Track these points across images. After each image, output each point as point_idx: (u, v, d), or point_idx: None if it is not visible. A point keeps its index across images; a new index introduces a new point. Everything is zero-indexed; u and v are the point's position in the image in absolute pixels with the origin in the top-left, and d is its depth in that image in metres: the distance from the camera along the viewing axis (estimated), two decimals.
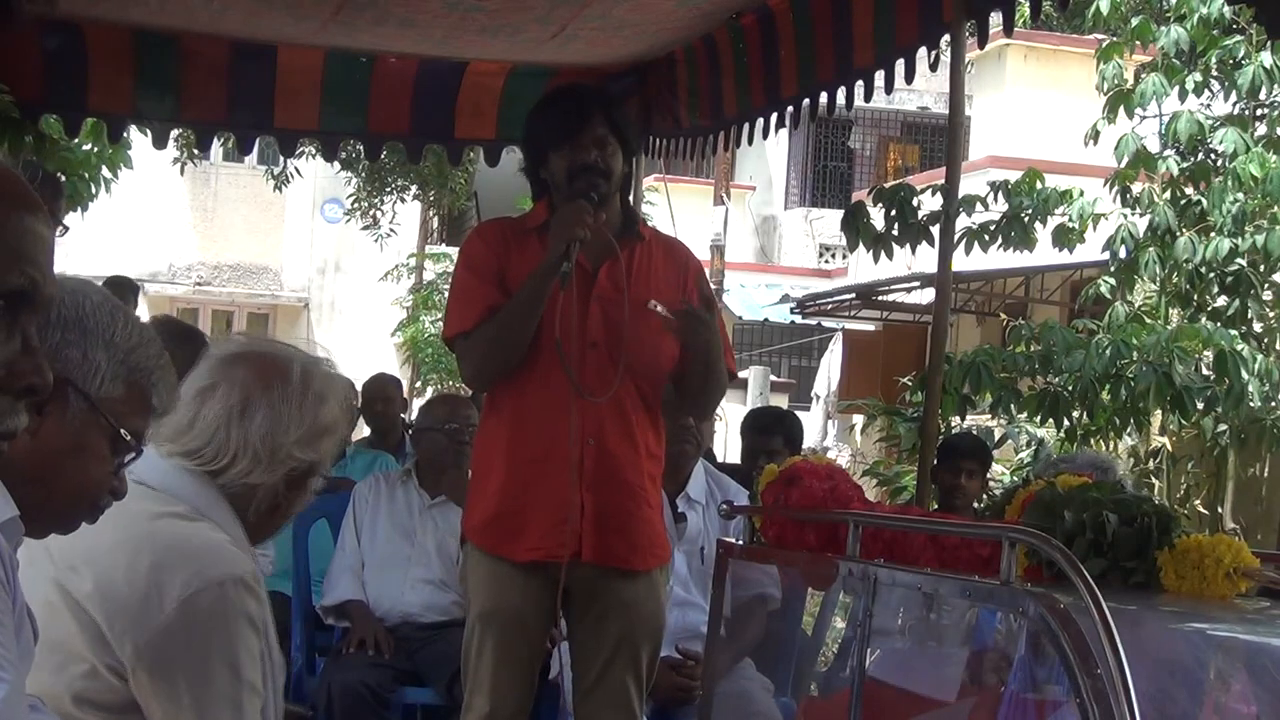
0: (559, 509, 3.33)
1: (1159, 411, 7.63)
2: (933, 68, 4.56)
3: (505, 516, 3.40)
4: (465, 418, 4.76)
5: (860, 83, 4.62)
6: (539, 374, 3.38)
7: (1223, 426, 7.85)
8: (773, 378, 18.48)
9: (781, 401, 15.86)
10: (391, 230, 14.55)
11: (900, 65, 4.33)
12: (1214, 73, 8.08)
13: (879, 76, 4.49)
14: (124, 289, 7.11)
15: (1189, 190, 8.15)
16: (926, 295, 13.40)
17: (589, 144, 3.41)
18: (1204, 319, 7.85)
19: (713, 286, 18.01)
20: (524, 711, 3.46)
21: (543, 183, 3.54)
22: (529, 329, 3.36)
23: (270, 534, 2.29)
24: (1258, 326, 7.99)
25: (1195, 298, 8.06)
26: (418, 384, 17.30)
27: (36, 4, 4.22)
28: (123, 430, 1.75)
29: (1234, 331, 7.43)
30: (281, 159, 12.04)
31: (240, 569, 2.05)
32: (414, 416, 7.86)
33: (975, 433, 7.22)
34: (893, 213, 5.54)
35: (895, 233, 5.54)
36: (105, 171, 8.22)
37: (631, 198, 6.82)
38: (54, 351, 1.71)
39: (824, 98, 4.76)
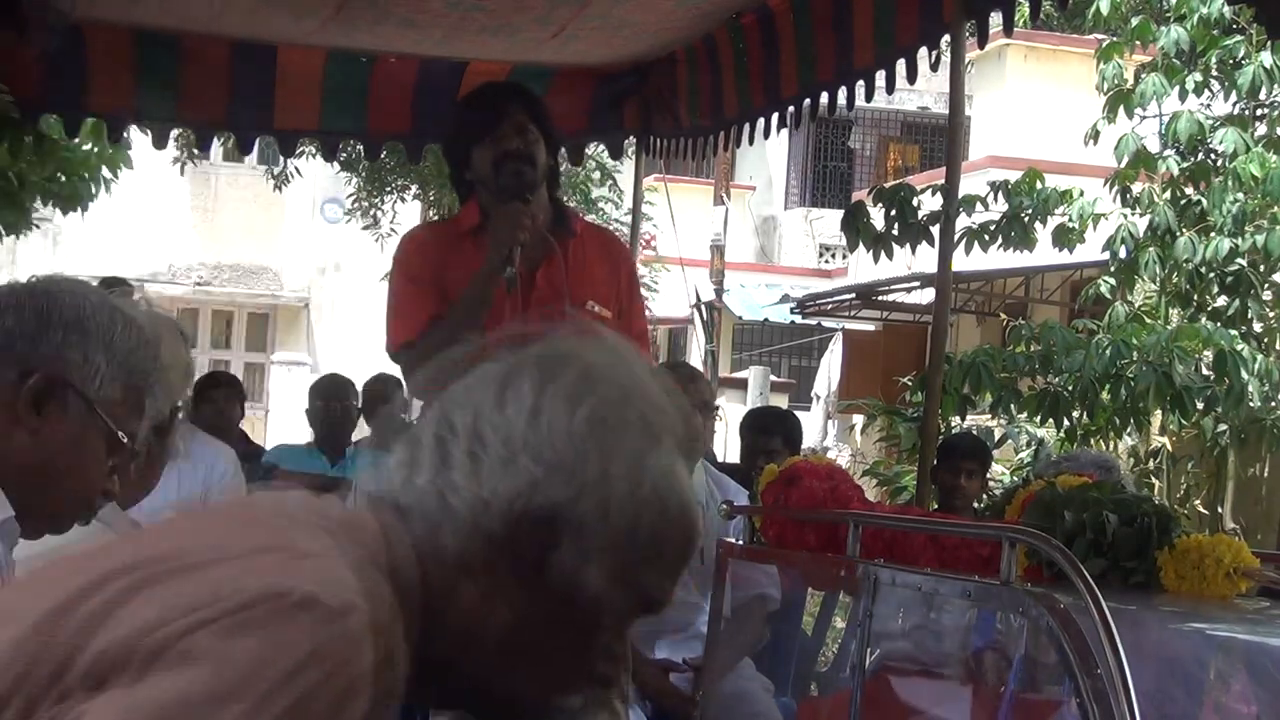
0: None
1: (1159, 411, 7.63)
2: (933, 68, 4.57)
3: None
4: None
5: (860, 83, 4.62)
6: None
7: (1223, 426, 7.86)
8: (773, 378, 18.47)
9: (781, 401, 15.85)
10: (391, 230, 14.53)
11: (900, 65, 4.33)
12: (1214, 73, 8.08)
13: (879, 76, 4.49)
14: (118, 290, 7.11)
15: (1189, 190, 8.15)
16: (926, 295, 13.40)
17: (510, 132, 3.40)
18: (1204, 319, 7.85)
19: (712, 287, 17.81)
20: None
21: (468, 184, 3.51)
22: (476, 335, 3.34)
23: (149, 487, 2.27)
24: (1258, 326, 7.99)
25: (1195, 298, 8.07)
26: None
27: (60, 10, 4.23)
28: (120, 432, 1.75)
29: (1234, 331, 7.43)
30: (281, 159, 12.04)
31: None
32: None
33: (975, 433, 7.22)
34: (893, 213, 5.54)
35: (895, 233, 5.54)
36: (105, 171, 8.23)
37: (632, 197, 6.83)
38: (54, 353, 1.71)
39: (824, 98, 4.76)
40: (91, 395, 1.73)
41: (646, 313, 3.85)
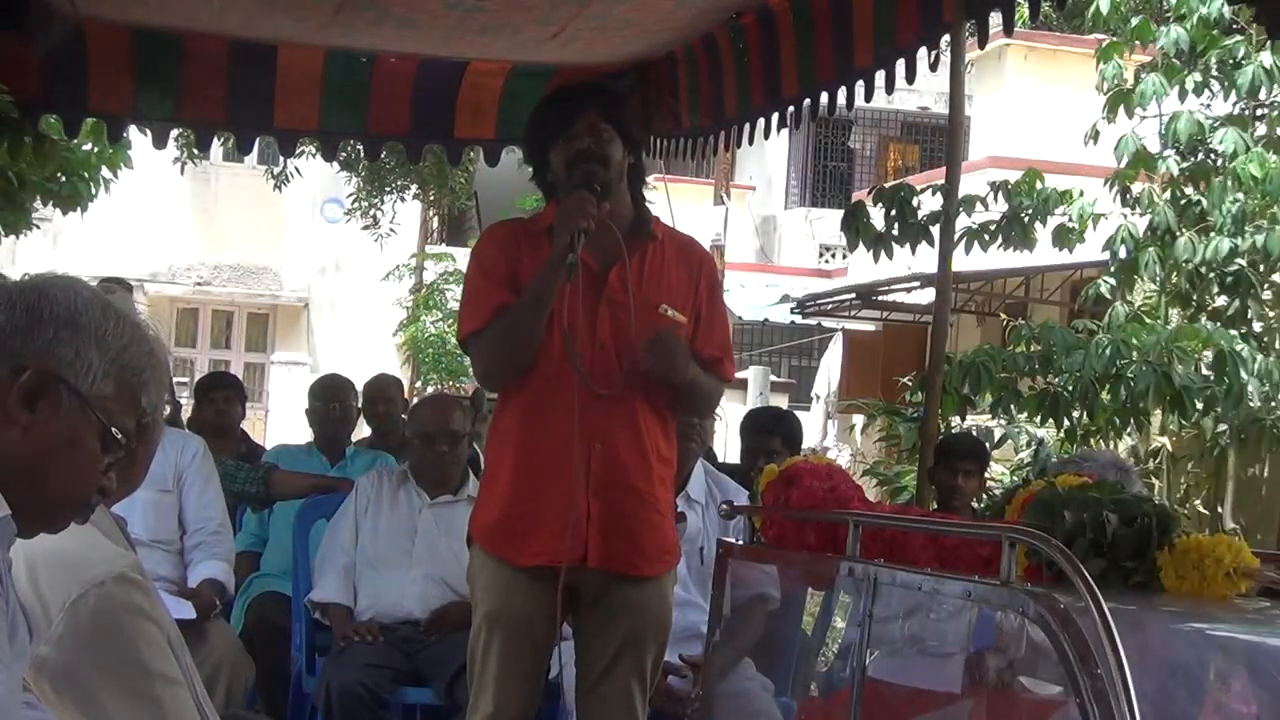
0: (565, 513, 3.32)
1: (1159, 411, 7.63)
2: (933, 68, 4.56)
3: (512, 520, 3.39)
4: (443, 421, 4.77)
5: (860, 83, 4.62)
6: (548, 374, 3.37)
7: (1223, 426, 7.86)
8: (773, 378, 18.48)
9: (781, 401, 15.85)
10: (391, 230, 14.56)
11: (900, 65, 4.33)
12: (1214, 73, 8.07)
13: (879, 76, 4.49)
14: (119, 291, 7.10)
15: (1189, 190, 8.15)
16: (926, 295, 13.40)
17: (582, 132, 3.41)
18: (1204, 319, 7.85)
19: None
20: (527, 714, 3.45)
21: (550, 185, 3.54)
22: (539, 324, 3.35)
23: (135, 485, 2.25)
24: (1258, 326, 7.99)
25: (1195, 298, 8.06)
26: (418, 384, 17.31)
27: (65, 14, 4.24)
28: (114, 428, 1.74)
29: (1234, 331, 7.42)
30: (281, 159, 12.04)
31: (118, 565, 2.00)
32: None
33: (975, 433, 7.22)
34: (893, 213, 5.55)
35: (895, 233, 5.55)
36: (105, 171, 8.24)
37: None
38: (46, 349, 1.71)
39: (824, 98, 4.76)
40: (85, 391, 1.72)
41: (730, 323, 3.86)
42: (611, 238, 3.38)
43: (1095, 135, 8.50)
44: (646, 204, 3.66)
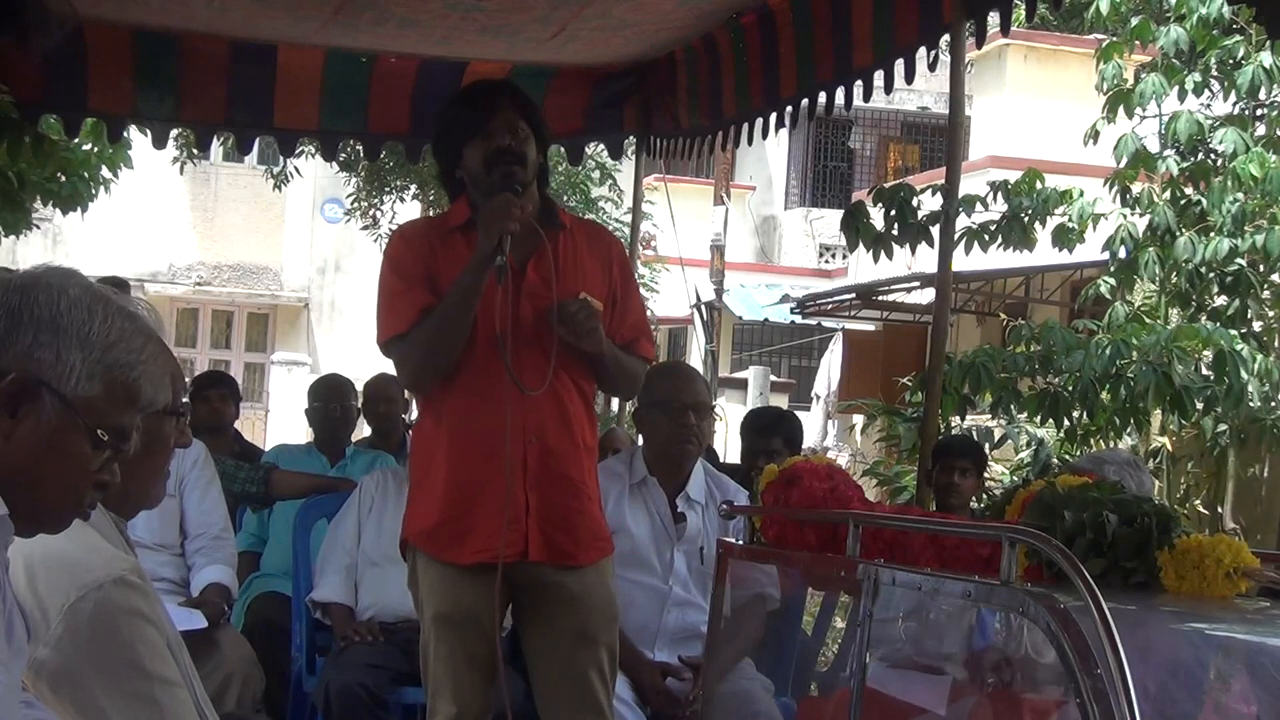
0: (504, 510, 3.32)
1: (1159, 411, 7.63)
2: (932, 68, 4.57)
3: (451, 521, 3.38)
4: None
5: (860, 83, 4.62)
6: (476, 372, 3.36)
7: (1223, 426, 7.85)
8: (773, 378, 18.47)
9: (781, 401, 15.85)
10: (391, 230, 14.55)
11: (900, 65, 4.33)
12: (1214, 73, 8.07)
13: (879, 76, 4.49)
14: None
15: (1189, 190, 8.14)
16: (926, 295, 13.41)
17: (502, 129, 3.41)
18: (1204, 319, 7.85)
19: (712, 286, 17.74)
20: (488, 710, 3.45)
21: (458, 182, 3.52)
22: (465, 326, 3.34)
23: (147, 490, 2.21)
24: (1257, 326, 7.99)
25: (1195, 298, 8.06)
26: None
27: (64, 15, 4.24)
28: (99, 430, 1.72)
29: (1234, 331, 7.42)
30: (281, 159, 12.05)
31: (117, 568, 1.99)
32: (415, 417, 7.84)
33: (975, 433, 7.22)
34: (893, 213, 5.54)
35: (895, 233, 5.54)
36: (105, 171, 8.25)
37: (632, 197, 6.83)
38: (26, 353, 1.69)
39: (824, 98, 4.76)
40: (68, 394, 1.70)
41: (645, 303, 3.83)
42: (529, 231, 3.37)
43: (1095, 135, 8.50)
44: (550, 196, 3.65)
